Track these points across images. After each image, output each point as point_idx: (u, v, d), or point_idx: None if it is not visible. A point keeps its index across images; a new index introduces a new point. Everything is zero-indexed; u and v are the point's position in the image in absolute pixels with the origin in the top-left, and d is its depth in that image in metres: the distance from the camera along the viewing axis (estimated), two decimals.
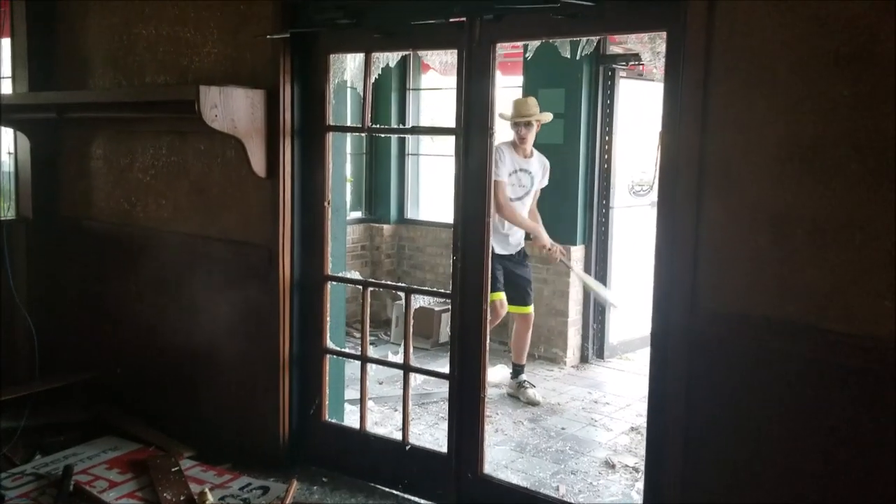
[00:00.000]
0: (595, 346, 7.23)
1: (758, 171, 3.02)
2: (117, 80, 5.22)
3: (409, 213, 8.66)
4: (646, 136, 6.79)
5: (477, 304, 3.98)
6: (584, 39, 3.99)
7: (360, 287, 4.64)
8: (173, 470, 4.51)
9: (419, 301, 7.10)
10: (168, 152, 5.00)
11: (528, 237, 6.37)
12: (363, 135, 8.35)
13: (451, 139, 4.02)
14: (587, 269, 7.08)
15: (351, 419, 4.92)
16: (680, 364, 3.26)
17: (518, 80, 7.27)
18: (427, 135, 7.99)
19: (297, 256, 4.56)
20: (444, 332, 7.33)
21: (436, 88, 8.44)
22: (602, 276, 7.10)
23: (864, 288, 2.83)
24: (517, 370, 6.28)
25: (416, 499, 4.35)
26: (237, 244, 4.68)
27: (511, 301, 6.23)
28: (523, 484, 4.52)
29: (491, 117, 3.82)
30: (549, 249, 6.33)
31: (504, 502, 4.05)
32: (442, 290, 4.44)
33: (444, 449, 4.26)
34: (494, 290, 5.88)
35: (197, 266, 4.91)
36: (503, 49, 6.94)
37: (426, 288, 5.26)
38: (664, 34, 3.31)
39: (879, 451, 2.85)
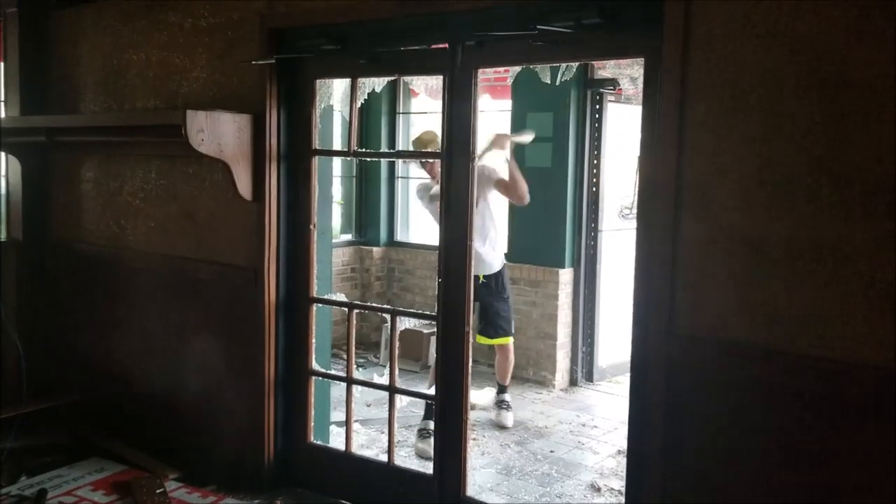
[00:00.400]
0: (584, 370, 7.25)
1: (733, 196, 3.06)
2: (108, 105, 5.27)
3: (399, 236, 8.70)
4: (634, 160, 6.83)
5: (459, 327, 4.01)
6: (563, 65, 4.05)
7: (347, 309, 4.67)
8: (158, 492, 4.53)
9: (405, 323, 7.14)
10: (157, 176, 5.04)
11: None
12: (353, 158, 8.41)
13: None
14: (576, 292, 7.12)
15: (337, 441, 4.94)
16: (658, 388, 3.29)
17: (508, 104, 7.33)
18: (412, 158, 8.03)
19: (283, 278, 4.59)
20: (433, 354, 7.32)
21: (425, 112, 8.49)
22: (591, 299, 7.13)
23: (837, 313, 2.86)
24: (500, 389, 6.26)
25: None
26: (224, 266, 4.71)
27: (484, 333, 6.03)
28: None
29: (473, 141, 3.87)
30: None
31: None
32: (427, 313, 4.47)
33: (430, 471, 4.28)
34: None
35: (185, 288, 4.94)
36: (495, 73, 7.08)
37: (412, 310, 5.28)
38: (642, 60, 3.36)
39: (856, 474, 2.88)
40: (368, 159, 8.45)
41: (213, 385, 4.83)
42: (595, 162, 6.98)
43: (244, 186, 4.45)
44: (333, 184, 5.32)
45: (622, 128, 7.03)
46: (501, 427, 6.05)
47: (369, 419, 6.03)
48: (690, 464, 3.24)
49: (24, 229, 5.68)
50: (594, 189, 7.02)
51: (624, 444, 5.58)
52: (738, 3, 2.99)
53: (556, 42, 3.51)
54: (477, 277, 5.86)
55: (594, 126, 6.94)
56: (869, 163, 2.77)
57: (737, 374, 3.10)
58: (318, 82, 4.45)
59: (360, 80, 4.40)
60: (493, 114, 7.86)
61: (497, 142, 5.58)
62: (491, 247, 5.91)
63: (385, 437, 5.44)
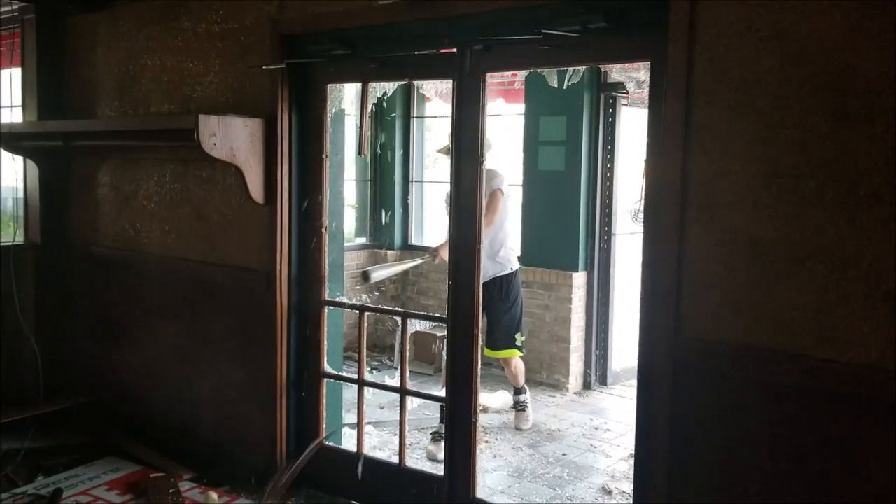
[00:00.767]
0: (598, 373, 7.25)
1: (738, 198, 3.06)
2: (123, 109, 5.34)
3: (413, 240, 8.72)
4: (640, 164, 6.83)
5: (468, 330, 4.04)
6: (570, 69, 4.07)
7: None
8: (171, 491, 4.58)
9: (416, 326, 7.17)
10: (171, 179, 5.10)
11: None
12: (367, 162, 8.47)
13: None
14: (589, 296, 7.12)
15: (349, 442, 4.97)
16: (664, 391, 3.30)
17: (521, 107, 7.35)
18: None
19: (295, 282, 4.63)
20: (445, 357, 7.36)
21: (439, 116, 8.52)
22: (604, 303, 7.14)
23: (841, 314, 2.87)
24: (517, 391, 6.20)
25: None
26: (236, 269, 4.76)
27: (491, 346, 5.90)
28: None
29: (481, 145, 3.89)
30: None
31: None
32: (437, 315, 4.50)
33: (441, 472, 4.31)
34: None
35: (198, 290, 4.99)
36: (509, 76, 7.11)
37: (422, 313, 5.30)
38: (648, 64, 3.38)
39: (860, 473, 2.88)
40: (384, 162, 8.52)
41: (226, 386, 4.88)
42: (608, 165, 6.99)
43: (256, 190, 4.50)
44: (347, 187, 5.36)
45: (635, 131, 7.03)
46: (518, 429, 6.06)
47: (382, 421, 6.06)
48: (696, 465, 3.25)
49: (42, 233, 5.75)
50: (607, 192, 7.03)
51: None
52: (742, 7, 3.00)
53: (563, 46, 3.53)
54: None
55: (607, 129, 6.95)
56: (873, 165, 2.77)
57: (743, 375, 3.11)
58: (329, 87, 4.49)
59: (371, 84, 4.43)
60: (507, 118, 7.90)
61: None
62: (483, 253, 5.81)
63: (396, 439, 5.49)
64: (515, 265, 5.96)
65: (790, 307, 2.97)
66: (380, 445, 5.59)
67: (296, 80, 4.50)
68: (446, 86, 4.36)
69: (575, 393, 7.08)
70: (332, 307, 4.70)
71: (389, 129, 8.54)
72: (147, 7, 5.13)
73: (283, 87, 4.47)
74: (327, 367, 4.67)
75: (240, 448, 4.85)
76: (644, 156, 3.47)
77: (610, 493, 4.98)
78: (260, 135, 4.47)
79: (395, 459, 4.70)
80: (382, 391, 5.37)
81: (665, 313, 3.26)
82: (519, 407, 6.19)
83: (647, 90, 3.38)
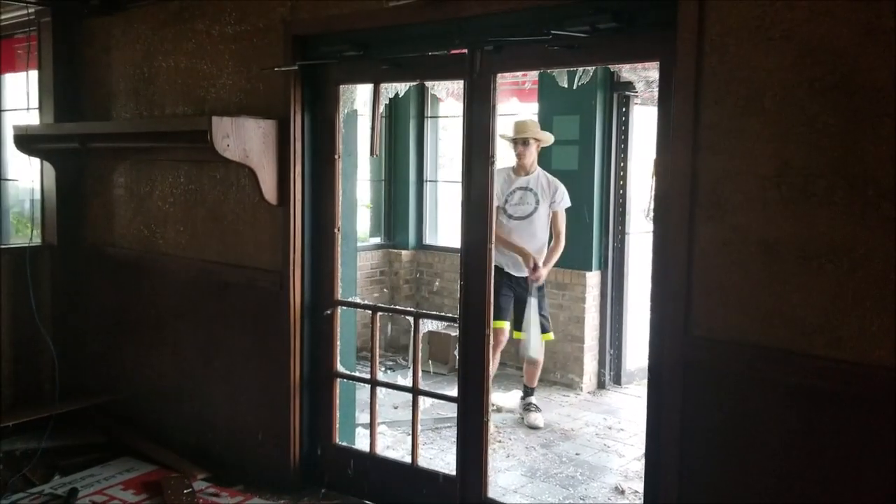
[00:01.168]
0: (612, 372, 7.24)
1: (748, 198, 3.06)
2: (139, 111, 5.38)
3: (428, 239, 8.74)
4: (650, 163, 6.83)
5: (479, 329, 4.05)
6: (581, 69, 4.08)
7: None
8: (186, 491, 4.61)
9: (429, 325, 7.18)
10: (186, 181, 5.13)
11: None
12: (382, 162, 8.49)
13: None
14: (603, 295, 7.12)
15: (362, 442, 4.99)
16: (674, 390, 3.30)
17: (535, 107, 7.35)
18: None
19: (308, 282, 4.66)
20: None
21: (453, 116, 8.53)
22: (618, 302, 7.14)
23: (852, 314, 2.86)
24: (527, 391, 6.34)
25: None
26: (250, 270, 4.79)
27: (517, 328, 6.24)
28: None
29: (492, 145, 3.91)
30: (534, 273, 6.14)
31: None
32: (449, 315, 4.51)
33: (453, 472, 4.32)
34: (498, 318, 5.90)
35: (212, 291, 5.03)
36: (523, 76, 7.11)
37: (434, 312, 5.32)
38: (657, 64, 3.38)
39: (870, 474, 2.87)
40: (398, 162, 8.55)
41: (240, 386, 4.91)
42: (622, 164, 6.99)
43: (269, 191, 4.52)
44: (362, 187, 5.39)
45: (648, 130, 7.01)
46: (533, 428, 6.09)
47: (396, 421, 6.08)
48: (706, 465, 3.25)
49: (59, 234, 5.80)
50: (621, 192, 7.03)
51: None
52: (751, 6, 3.00)
53: (573, 46, 3.54)
54: (510, 275, 6.14)
55: (620, 129, 6.95)
56: (883, 164, 2.77)
57: (752, 375, 3.11)
58: (342, 87, 4.51)
59: (383, 85, 4.45)
60: (521, 117, 7.87)
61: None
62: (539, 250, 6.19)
63: (410, 439, 5.52)
64: None
65: (800, 307, 2.97)
66: (393, 445, 5.61)
67: (308, 82, 4.52)
68: (458, 86, 4.36)
69: (589, 392, 7.08)
70: (345, 307, 4.72)
71: (403, 129, 8.55)
72: (161, 9, 5.17)
73: (296, 88, 4.49)
74: (340, 367, 4.69)
75: (253, 447, 4.88)
76: (654, 155, 3.47)
77: (623, 492, 4.98)
78: (273, 136, 4.50)
79: (408, 459, 4.72)
80: (396, 391, 5.38)
81: (675, 313, 3.27)
82: (531, 408, 6.24)
83: (656, 89, 3.37)
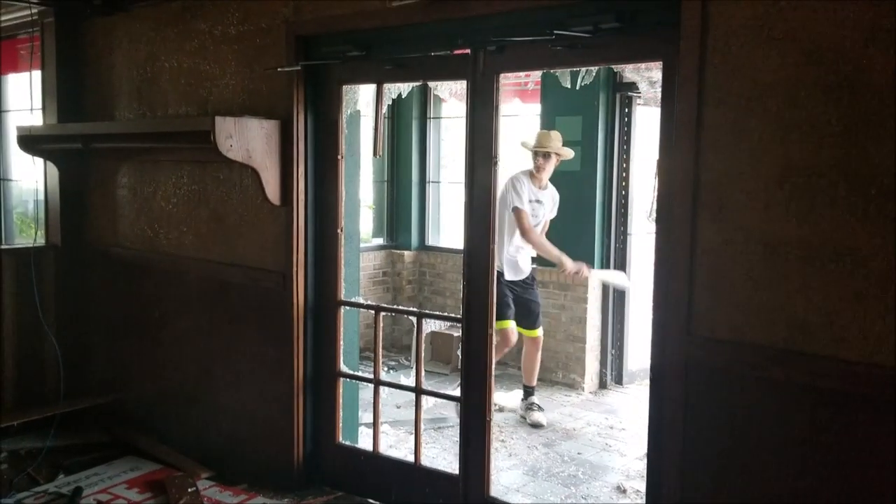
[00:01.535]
0: (613, 372, 7.25)
1: (750, 198, 3.07)
2: (142, 112, 5.39)
3: (430, 240, 8.75)
4: (654, 164, 6.84)
5: (482, 329, 4.06)
6: (583, 69, 4.08)
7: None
8: (190, 490, 4.63)
9: (432, 325, 7.18)
10: (189, 181, 5.14)
11: (543, 262, 6.44)
12: (385, 162, 8.51)
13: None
14: (605, 296, 7.13)
15: (365, 441, 5.00)
16: (676, 390, 3.31)
17: (537, 108, 7.36)
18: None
19: (311, 282, 4.67)
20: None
21: (455, 117, 8.54)
22: (620, 302, 7.14)
23: (854, 314, 2.87)
24: (527, 392, 6.37)
25: None
26: (253, 270, 4.80)
27: (520, 324, 6.32)
28: None
29: (495, 146, 3.92)
30: (577, 273, 6.39)
31: None
32: (452, 315, 4.52)
33: (456, 471, 4.33)
34: (505, 317, 6.04)
35: (215, 291, 5.04)
36: (525, 77, 7.12)
37: (437, 312, 5.33)
38: (660, 64, 3.39)
39: (874, 474, 2.88)
40: (401, 163, 8.57)
41: (244, 386, 4.92)
42: (624, 165, 6.99)
43: (272, 191, 4.53)
44: (365, 188, 5.40)
45: (651, 131, 7.02)
46: (536, 427, 6.11)
47: (399, 420, 6.09)
48: (708, 465, 3.26)
49: (62, 234, 5.82)
50: (623, 192, 7.04)
51: None
52: (754, 6, 3.01)
53: (576, 46, 3.54)
54: (509, 281, 6.21)
55: (623, 129, 6.95)
56: (886, 165, 2.77)
57: (754, 375, 3.12)
58: (345, 88, 4.52)
59: (386, 86, 4.46)
60: (523, 118, 7.91)
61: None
62: (527, 257, 6.30)
63: (412, 438, 5.52)
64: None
65: (803, 307, 2.97)
66: (396, 444, 5.62)
67: (311, 82, 4.53)
68: (460, 86, 4.37)
69: (590, 392, 7.09)
70: (347, 307, 4.73)
71: (406, 129, 8.57)
72: (164, 10, 5.18)
73: (299, 88, 4.50)
74: (343, 367, 4.70)
75: (257, 447, 4.89)
76: (656, 156, 3.48)
77: (625, 492, 4.99)
78: (276, 136, 4.51)
79: (410, 458, 4.74)
80: (399, 391, 5.39)
81: (677, 313, 3.28)
82: (534, 407, 6.28)
83: (659, 90, 3.38)
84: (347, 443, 4.82)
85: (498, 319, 5.17)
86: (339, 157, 4.55)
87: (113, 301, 5.74)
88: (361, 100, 4.72)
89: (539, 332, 6.40)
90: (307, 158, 4.58)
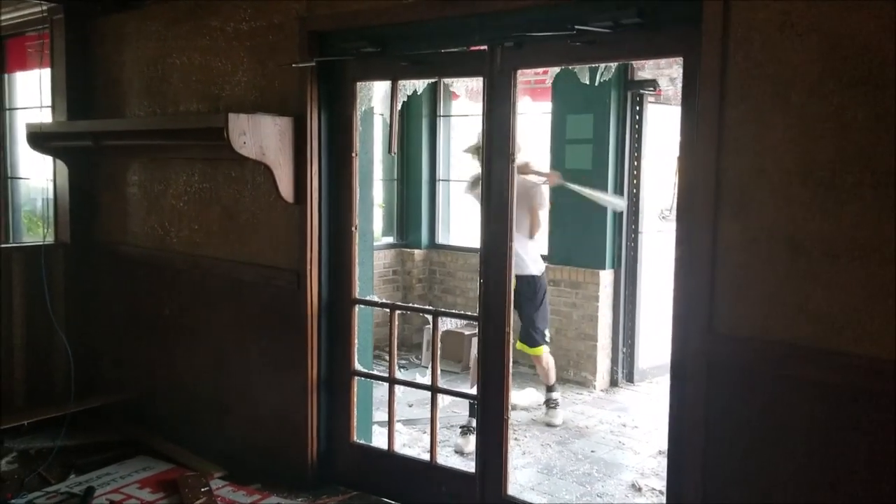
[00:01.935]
0: (625, 370, 7.23)
1: (773, 194, 3.04)
2: (152, 109, 5.36)
3: (440, 239, 8.73)
4: (673, 161, 6.81)
5: (500, 327, 4.03)
6: (602, 65, 4.04)
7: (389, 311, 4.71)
8: (203, 490, 4.60)
9: (447, 324, 7.17)
10: (200, 179, 5.12)
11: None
12: (394, 161, 8.47)
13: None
14: (616, 294, 7.10)
15: (379, 440, 4.97)
16: (698, 389, 3.28)
17: (548, 106, 7.32)
18: None
19: (325, 280, 4.64)
20: (474, 355, 7.38)
21: (465, 115, 8.50)
22: (632, 301, 7.11)
23: (880, 310, 2.84)
24: (548, 389, 6.26)
25: None
26: (266, 268, 4.77)
27: (524, 340, 6.13)
28: None
29: (512, 143, 3.89)
30: (548, 176, 6.22)
31: None
32: (468, 313, 4.49)
33: (472, 469, 4.30)
34: (536, 342, 6.01)
35: (228, 290, 5.01)
36: (535, 75, 7.09)
37: (453, 311, 5.30)
38: (680, 59, 3.36)
39: None
40: (411, 161, 8.53)
41: (257, 385, 4.90)
42: (635, 163, 6.96)
43: (286, 189, 4.50)
44: (374, 186, 5.37)
45: (662, 129, 7.00)
46: (550, 425, 6.05)
47: (411, 419, 6.07)
48: (731, 463, 3.23)
49: (72, 233, 5.80)
50: (634, 191, 7.00)
51: (665, 445, 5.58)
52: (777, 1, 2.97)
53: (595, 42, 3.51)
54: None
55: (634, 127, 6.91)
56: None
57: (779, 372, 3.08)
58: (359, 84, 4.49)
59: (401, 82, 4.43)
60: (533, 116, 7.86)
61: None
62: (522, 247, 5.87)
63: (426, 437, 5.50)
64: (543, 268, 6.15)
65: (827, 304, 2.94)
66: (409, 443, 5.59)
67: (325, 78, 4.50)
68: (477, 83, 4.34)
69: (602, 390, 7.06)
70: (362, 305, 4.71)
71: (416, 128, 8.53)
72: (175, 6, 5.15)
73: (313, 85, 4.47)
74: (358, 366, 4.68)
75: (270, 446, 4.87)
76: (677, 153, 3.45)
77: (640, 490, 4.96)
78: (289, 133, 4.48)
79: (425, 457, 4.71)
80: (410, 389, 5.37)
81: (698, 310, 3.24)
82: (551, 404, 6.20)
83: (679, 87, 3.35)
84: (362, 441, 4.79)
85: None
86: (354, 154, 4.52)
87: (123, 299, 5.72)
88: (375, 97, 4.69)
89: (539, 351, 6.11)
90: (321, 156, 4.55)
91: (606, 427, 6.11)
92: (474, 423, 5.48)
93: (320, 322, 4.65)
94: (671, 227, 7.14)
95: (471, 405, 5.58)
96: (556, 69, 4.06)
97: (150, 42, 5.34)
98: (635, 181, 6.99)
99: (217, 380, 5.12)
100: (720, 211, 3.16)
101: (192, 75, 5.09)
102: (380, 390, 5.29)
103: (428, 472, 4.48)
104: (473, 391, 4.24)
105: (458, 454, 5.51)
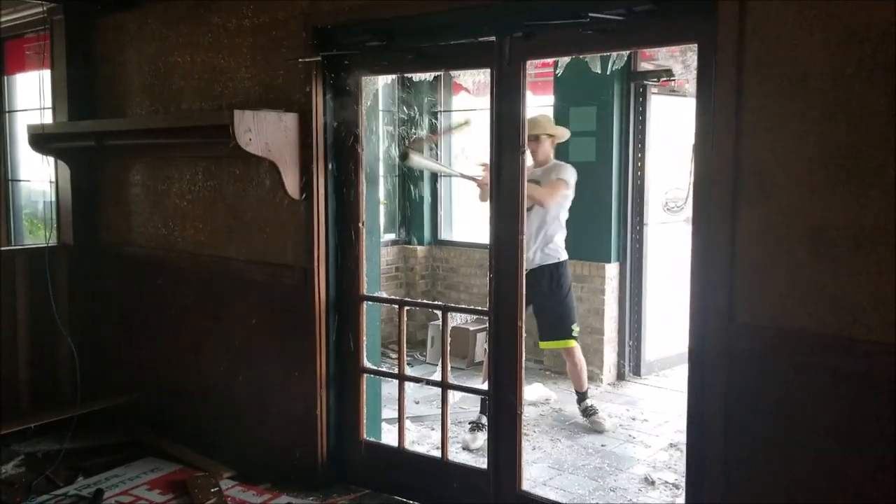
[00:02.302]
0: (631, 364, 7.19)
1: (793, 181, 3.00)
2: (154, 108, 5.32)
3: (443, 235, 8.69)
4: (679, 152, 6.78)
5: (512, 321, 3.99)
6: (614, 54, 4.00)
7: (396, 307, 4.66)
8: (213, 490, 4.56)
9: (454, 320, 7.13)
10: (204, 177, 5.07)
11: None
12: (397, 158, 8.43)
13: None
14: (622, 287, 7.07)
15: (388, 438, 4.93)
16: (718, 379, 3.24)
17: (550, 99, 7.28)
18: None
19: (332, 277, 4.59)
20: (480, 351, 7.35)
21: (467, 109, 8.45)
22: (637, 293, 7.08)
23: None
24: (580, 397, 6.04)
25: None
26: (273, 266, 4.73)
27: (544, 336, 5.96)
28: (563, 501, 4.48)
29: (522, 135, 3.84)
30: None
31: None
32: (479, 308, 4.45)
33: (484, 465, 4.26)
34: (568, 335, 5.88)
35: (234, 288, 4.97)
36: (537, 69, 7.04)
37: (463, 306, 5.22)
38: (695, 46, 3.32)
39: None
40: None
41: (266, 384, 4.85)
42: (639, 155, 6.92)
43: (292, 185, 4.46)
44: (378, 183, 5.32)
45: (666, 120, 6.96)
46: (599, 431, 5.83)
47: (419, 416, 6.03)
48: (753, 456, 3.19)
49: (74, 234, 5.75)
50: (639, 183, 6.96)
51: (675, 438, 5.57)
52: None
53: (607, 30, 3.47)
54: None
55: (638, 119, 6.87)
56: None
57: (800, 361, 3.04)
58: (364, 79, 4.44)
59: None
60: (535, 109, 7.82)
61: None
62: (536, 241, 5.76)
63: (434, 434, 5.48)
64: (564, 255, 5.91)
65: (850, 291, 2.90)
66: (418, 440, 5.55)
67: (330, 74, 4.46)
68: (484, 77, 4.29)
69: (609, 384, 7.03)
70: (370, 302, 4.66)
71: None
72: (176, 5, 5.10)
73: (317, 80, 4.42)
74: (367, 363, 4.63)
75: (280, 445, 4.82)
76: (692, 141, 3.40)
77: (653, 483, 4.92)
78: (295, 129, 4.43)
79: (435, 453, 4.67)
80: (417, 386, 5.32)
81: (718, 300, 3.20)
82: (591, 411, 5.97)
83: (694, 73, 3.31)
84: (372, 439, 4.75)
85: None
86: (360, 150, 4.47)
87: (127, 300, 5.67)
88: (380, 91, 4.64)
89: (571, 343, 5.91)
90: (326, 151, 4.50)
91: (615, 421, 6.07)
92: (484, 420, 5.48)
93: (328, 319, 4.61)
94: (676, 218, 7.18)
95: (482, 401, 5.52)
96: (566, 59, 3.99)
97: (152, 41, 5.29)
98: (639, 173, 6.94)
99: (225, 379, 5.07)
100: (739, 198, 3.11)
101: (195, 73, 5.04)
102: (386, 387, 5.25)
103: (439, 468, 4.44)
104: (485, 387, 4.18)
105: (466, 450, 5.45)
